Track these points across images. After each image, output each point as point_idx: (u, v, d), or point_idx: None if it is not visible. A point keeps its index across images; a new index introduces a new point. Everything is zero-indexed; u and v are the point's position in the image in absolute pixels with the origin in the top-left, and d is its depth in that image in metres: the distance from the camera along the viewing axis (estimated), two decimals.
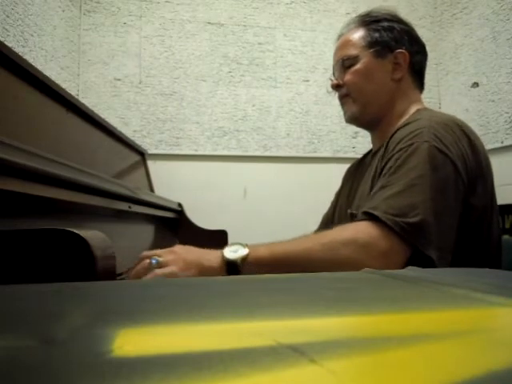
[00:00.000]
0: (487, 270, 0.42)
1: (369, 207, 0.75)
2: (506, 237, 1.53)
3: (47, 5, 1.74)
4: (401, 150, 0.79)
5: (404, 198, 0.74)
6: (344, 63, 0.95)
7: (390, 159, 0.81)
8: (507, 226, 1.74)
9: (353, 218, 0.86)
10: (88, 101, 1.97)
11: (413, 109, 0.93)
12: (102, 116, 1.27)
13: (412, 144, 0.78)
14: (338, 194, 1.11)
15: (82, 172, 0.74)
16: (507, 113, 1.96)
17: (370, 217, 0.74)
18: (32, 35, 1.61)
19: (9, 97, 0.73)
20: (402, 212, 0.72)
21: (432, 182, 0.75)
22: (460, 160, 0.78)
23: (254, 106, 2.22)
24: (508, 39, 1.97)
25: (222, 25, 2.23)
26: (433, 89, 2.38)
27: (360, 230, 0.73)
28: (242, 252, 0.72)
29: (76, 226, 0.47)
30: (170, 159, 2.11)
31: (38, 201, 0.62)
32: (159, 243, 1.28)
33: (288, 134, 2.24)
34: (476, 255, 0.82)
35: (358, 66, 0.93)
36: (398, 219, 0.71)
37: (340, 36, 1.00)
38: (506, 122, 1.97)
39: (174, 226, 1.73)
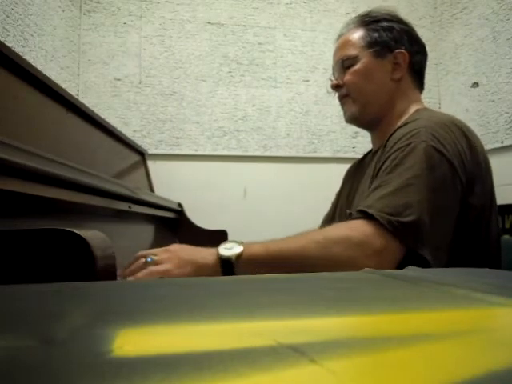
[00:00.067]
0: (487, 270, 0.42)
1: (364, 205, 0.75)
2: (505, 237, 1.54)
3: (47, 5, 1.74)
4: (398, 149, 0.79)
5: (399, 198, 0.74)
6: (344, 63, 0.95)
7: (387, 158, 0.81)
8: (507, 225, 1.74)
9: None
10: (88, 101, 1.97)
11: (412, 109, 0.93)
12: (102, 116, 1.28)
13: (409, 144, 0.78)
14: (339, 194, 1.11)
15: (82, 172, 0.74)
16: (507, 113, 1.96)
17: (364, 215, 0.74)
18: (32, 35, 1.61)
19: (9, 97, 0.73)
20: (396, 211, 0.72)
21: (428, 181, 0.75)
22: (458, 160, 0.78)
23: (253, 106, 2.22)
24: (508, 39, 1.97)
25: (222, 25, 2.23)
26: (433, 89, 2.38)
27: (354, 228, 0.73)
28: (237, 249, 0.72)
29: (76, 226, 0.47)
30: (170, 159, 2.11)
31: (38, 201, 0.62)
32: (159, 243, 1.27)
33: (288, 134, 2.24)
34: (474, 254, 0.82)
35: (357, 66, 0.93)
36: (392, 218, 0.71)
37: (340, 36, 1.00)
38: (506, 121, 1.97)
39: (174, 226, 1.73)
